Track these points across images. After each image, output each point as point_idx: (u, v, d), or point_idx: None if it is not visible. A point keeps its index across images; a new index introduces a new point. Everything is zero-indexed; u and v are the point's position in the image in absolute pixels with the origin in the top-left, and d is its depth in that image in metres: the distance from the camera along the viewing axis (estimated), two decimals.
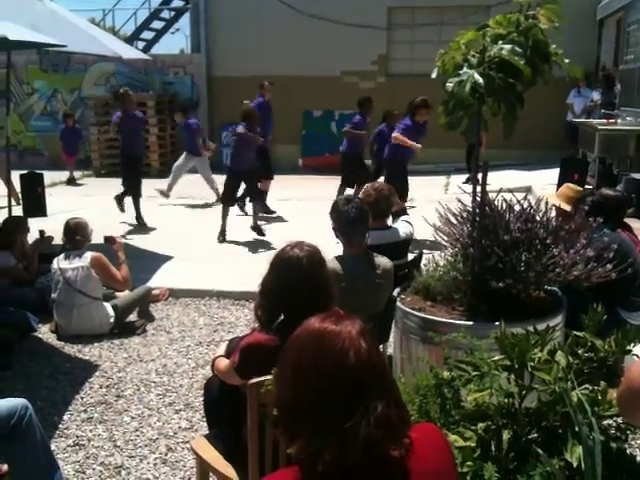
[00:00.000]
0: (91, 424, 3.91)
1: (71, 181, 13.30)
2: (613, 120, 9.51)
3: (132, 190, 9.02)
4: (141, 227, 8.91)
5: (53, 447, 3.48)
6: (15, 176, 8.28)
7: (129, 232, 8.60)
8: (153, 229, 8.93)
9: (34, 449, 2.93)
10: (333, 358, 1.37)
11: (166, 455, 3.57)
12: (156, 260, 7.21)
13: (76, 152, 13.63)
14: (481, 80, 3.19)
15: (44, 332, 5.32)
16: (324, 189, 11.11)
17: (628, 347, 2.14)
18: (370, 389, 1.36)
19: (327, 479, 1.33)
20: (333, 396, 1.35)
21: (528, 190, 10.11)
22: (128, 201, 9.13)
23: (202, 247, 7.77)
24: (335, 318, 1.44)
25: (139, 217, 8.98)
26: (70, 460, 3.54)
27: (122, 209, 9.18)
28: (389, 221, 4.32)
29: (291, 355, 1.44)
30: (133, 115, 9.06)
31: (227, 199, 8.30)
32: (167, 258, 7.31)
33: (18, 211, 7.89)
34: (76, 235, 5.26)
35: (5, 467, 3.19)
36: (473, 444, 1.94)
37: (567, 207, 4.31)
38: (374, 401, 1.35)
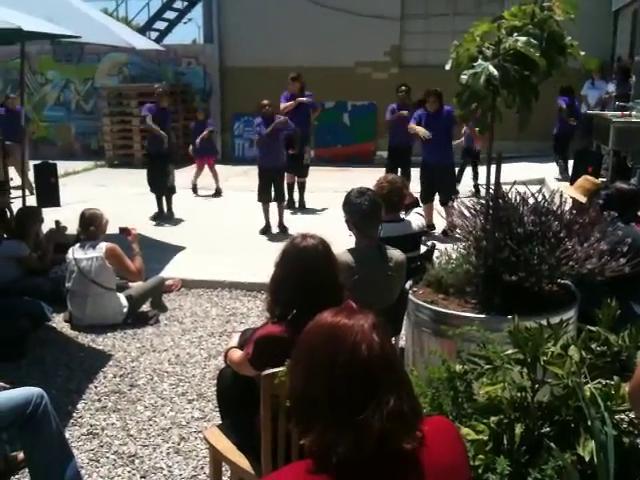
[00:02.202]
0: (105, 413, 3.95)
1: (218, 193, 10.82)
2: (628, 112, 9.41)
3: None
4: (160, 218, 9.01)
5: (67, 435, 3.51)
6: (29, 166, 8.34)
7: (143, 223, 8.63)
8: (167, 220, 8.97)
9: (49, 438, 2.96)
10: (346, 351, 1.37)
11: (179, 444, 3.61)
12: (169, 251, 7.25)
13: (214, 152, 11.26)
14: (496, 72, 3.17)
15: (58, 322, 5.37)
16: (336, 180, 11.11)
17: None
18: (383, 382, 1.36)
19: (341, 472, 1.34)
20: (346, 389, 1.36)
21: (541, 182, 10.07)
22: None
23: (214, 238, 7.79)
24: (347, 312, 1.45)
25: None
26: (84, 449, 3.58)
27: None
28: (402, 213, 4.32)
29: (304, 349, 1.45)
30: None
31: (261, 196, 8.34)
32: (179, 249, 7.35)
33: (32, 201, 7.94)
34: (91, 226, 5.30)
35: (21, 455, 3.24)
36: (485, 437, 1.94)
37: (582, 199, 4.29)
38: (387, 394, 1.35)
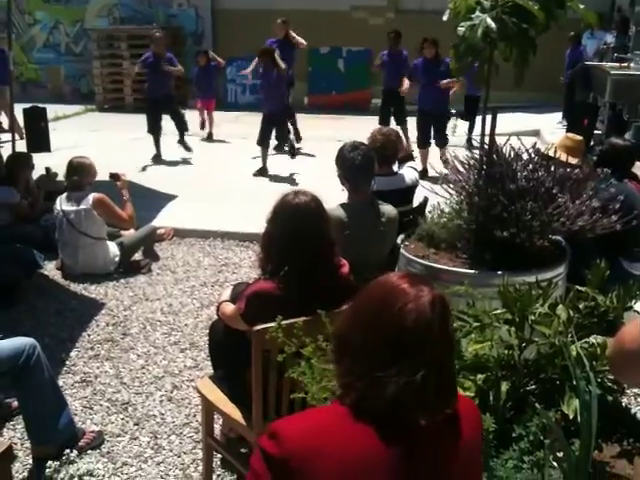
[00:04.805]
0: (98, 361, 4.00)
1: (210, 137, 10.79)
2: (626, 64, 9.30)
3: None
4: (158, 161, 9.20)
5: (61, 383, 3.56)
6: (18, 110, 8.20)
7: (133, 169, 8.56)
8: (157, 167, 8.90)
9: (42, 387, 3.01)
10: (391, 312, 1.39)
11: (171, 392, 3.66)
12: (161, 199, 7.21)
13: (213, 94, 11.05)
14: (494, 25, 3.12)
15: (50, 269, 5.38)
16: (330, 129, 11.00)
17: (629, 303, 2.16)
18: (415, 355, 1.37)
19: (366, 425, 1.38)
20: (374, 344, 1.40)
21: (536, 134, 10.02)
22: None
23: (206, 187, 7.75)
24: (413, 280, 1.45)
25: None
26: (78, 396, 3.63)
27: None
28: (395, 167, 4.29)
29: (360, 296, 1.50)
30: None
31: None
32: (171, 197, 7.30)
33: (22, 146, 7.85)
34: (78, 176, 5.22)
35: (15, 403, 3.29)
36: (472, 394, 1.98)
37: (573, 160, 4.25)
38: (414, 367, 1.36)
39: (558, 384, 2.04)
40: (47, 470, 2.84)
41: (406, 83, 8.42)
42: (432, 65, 7.89)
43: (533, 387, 2.06)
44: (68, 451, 2.59)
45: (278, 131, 8.66)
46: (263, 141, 8.44)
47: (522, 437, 1.90)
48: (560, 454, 1.83)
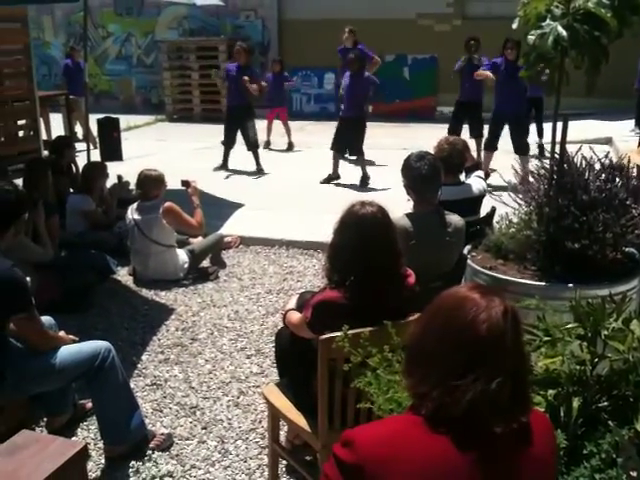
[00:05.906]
0: (168, 365, 4.11)
1: (290, 147, 10.73)
2: None
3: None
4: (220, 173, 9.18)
5: (132, 385, 3.67)
6: (92, 120, 8.52)
7: (203, 179, 8.74)
8: (224, 175, 9.07)
9: (116, 389, 3.12)
10: (464, 321, 1.41)
11: (238, 398, 3.73)
12: (227, 207, 7.34)
13: (285, 102, 11.10)
14: (564, 33, 3.07)
15: (123, 275, 5.56)
16: (395, 137, 10.98)
17: None
18: (490, 364, 1.38)
19: (441, 433, 1.39)
20: (450, 353, 1.41)
21: (608, 141, 9.74)
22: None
23: (272, 195, 7.85)
24: (484, 291, 1.47)
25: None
26: (148, 399, 3.74)
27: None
28: (462, 176, 4.25)
29: (431, 307, 1.52)
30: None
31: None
32: (238, 205, 7.43)
33: (95, 155, 8.14)
34: (146, 188, 5.35)
35: (89, 404, 3.42)
36: (542, 409, 1.95)
37: None
38: (489, 376, 1.37)
39: (632, 401, 1.98)
40: (130, 470, 2.95)
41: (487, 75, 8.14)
42: (513, 67, 7.66)
43: (605, 404, 2.00)
44: (150, 452, 2.69)
45: (353, 142, 8.41)
46: (335, 146, 8.42)
47: (593, 454, 1.85)
48: (634, 473, 1.78)
